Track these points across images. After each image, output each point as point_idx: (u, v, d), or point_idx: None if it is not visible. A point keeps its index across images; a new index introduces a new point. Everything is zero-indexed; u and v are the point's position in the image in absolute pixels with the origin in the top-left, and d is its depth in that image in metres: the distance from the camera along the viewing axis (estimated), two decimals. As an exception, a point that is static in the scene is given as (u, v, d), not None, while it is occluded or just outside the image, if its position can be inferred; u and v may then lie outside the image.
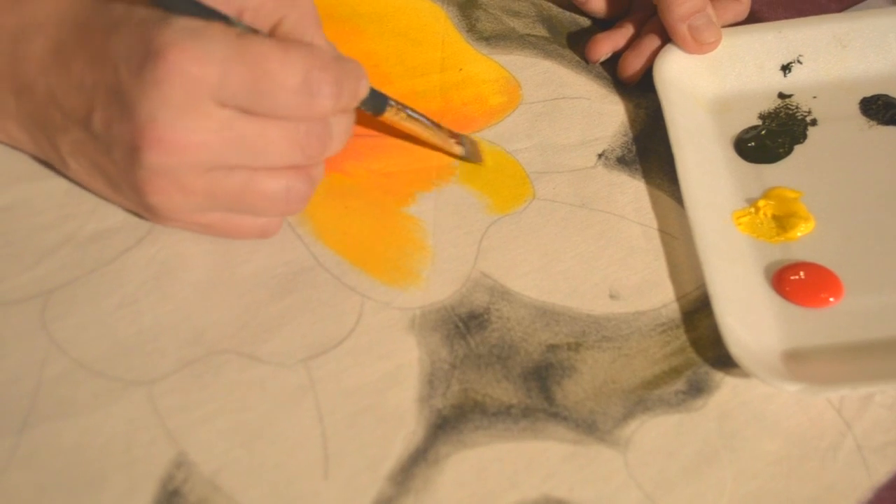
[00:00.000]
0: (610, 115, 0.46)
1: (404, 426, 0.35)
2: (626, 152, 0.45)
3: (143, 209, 0.37)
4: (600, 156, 0.45)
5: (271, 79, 0.32)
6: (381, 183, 0.42)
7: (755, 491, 0.35)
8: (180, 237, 0.39)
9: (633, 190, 0.44)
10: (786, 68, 0.47)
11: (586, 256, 0.41)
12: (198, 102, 0.32)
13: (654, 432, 0.36)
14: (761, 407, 0.37)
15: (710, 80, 0.47)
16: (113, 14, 0.34)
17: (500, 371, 0.37)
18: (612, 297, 0.40)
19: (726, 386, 0.38)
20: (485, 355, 0.37)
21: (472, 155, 0.43)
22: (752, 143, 0.45)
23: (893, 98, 0.46)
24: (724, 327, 0.37)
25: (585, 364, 0.38)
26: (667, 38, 0.46)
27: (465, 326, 0.38)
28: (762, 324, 0.39)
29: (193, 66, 0.32)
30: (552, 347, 0.38)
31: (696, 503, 0.35)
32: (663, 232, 0.42)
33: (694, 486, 0.35)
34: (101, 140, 0.34)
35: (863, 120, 0.46)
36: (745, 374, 0.37)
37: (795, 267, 0.40)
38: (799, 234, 0.42)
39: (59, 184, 0.39)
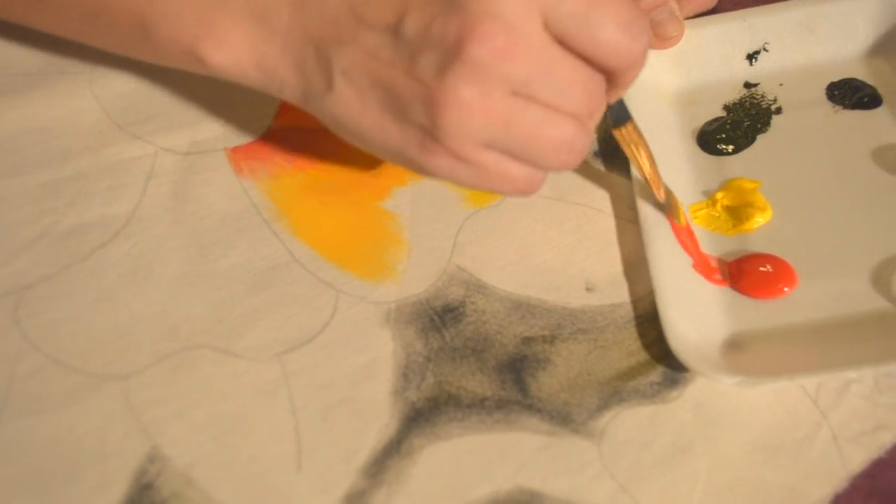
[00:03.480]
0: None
1: (378, 419, 0.35)
2: (604, 146, 0.45)
3: (420, 139, 0.34)
4: (578, 149, 0.45)
5: (604, 9, 0.32)
6: (357, 179, 0.42)
7: (730, 481, 0.35)
8: (156, 232, 0.39)
9: (610, 183, 0.44)
10: (752, 57, 0.47)
11: (563, 249, 0.41)
12: (531, 15, 0.32)
13: (629, 423, 0.36)
14: (737, 397, 0.37)
15: (674, 73, 0.47)
16: None
17: (475, 363, 0.37)
18: (588, 289, 0.40)
19: (701, 377, 0.38)
20: (460, 348, 0.38)
21: (669, 208, 0.41)
22: (716, 135, 0.45)
23: (860, 81, 0.46)
24: (667, 320, 0.37)
25: (560, 356, 0.38)
26: None
27: (441, 319, 0.38)
28: (709, 316, 0.39)
29: None
30: (527, 340, 0.38)
31: (671, 493, 0.35)
32: (640, 225, 0.42)
33: (668, 476, 0.35)
34: (407, 45, 0.33)
35: (828, 105, 0.45)
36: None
37: (749, 259, 0.40)
38: (755, 225, 0.41)
39: (35, 178, 0.39)
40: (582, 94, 0.34)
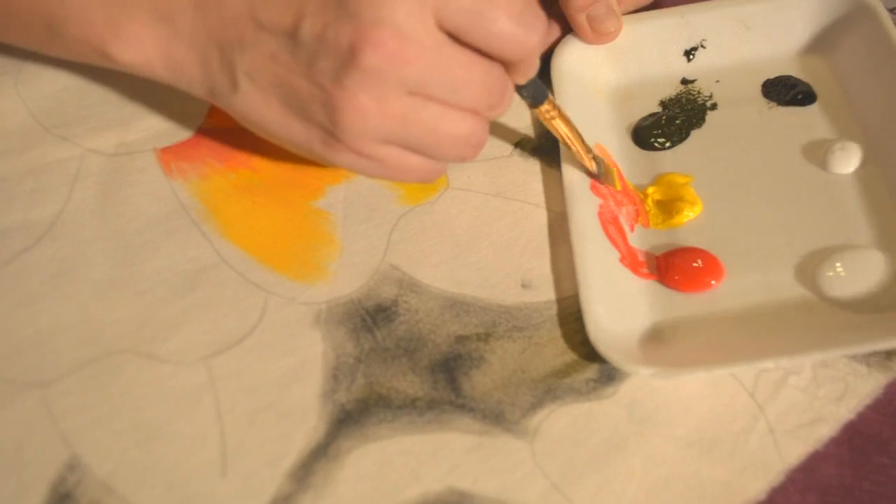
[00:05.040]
0: (527, 105, 0.46)
1: (306, 422, 0.35)
2: (543, 141, 0.44)
3: (322, 137, 0.35)
4: (516, 145, 0.44)
5: (495, 3, 0.32)
6: (289, 178, 0.41)
7: (665, 476, 0.35)
8: (82, 235, 0.38)
9: (548, 178, 0.43)
10: (689, 53, 0.47)
11: (499, 246, 0.40)
12: (423, 16, 0.32)
13: (563, 421, 0.36)
14: (673, 392, 0.37)
15: (611, 69, 0.46)
16: None
17: (407, 364, 0.37)
18: (524, 286, 0.39)
19: (639, 373, 0.37)
20: (391, 348, 0.37)
21: (604, 175, 0.41)
22: (651, 130, 0.44)
23: (795, 79, 0.45)
24: (588, 312, 0.36)
25: (495, 354, 0.37)
26: (567, 27, 0.46)
27: (372, 320, 0.38)
28: (633, 309, 0.38)
29: None
30: (461, 339, 0.37)
31: (604, 490, 0.34)
32: (568, 217, 0.41)
33: (602, 473, 0.34)
34: (304, 49, 0.33)
35: (763, 102, 0.45)
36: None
37: (676, 253, 0.40)
38: (684, 219, 0.41)
39: (-45, 185, 0.38)
40: (479, 90, 0.34)
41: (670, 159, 0.43)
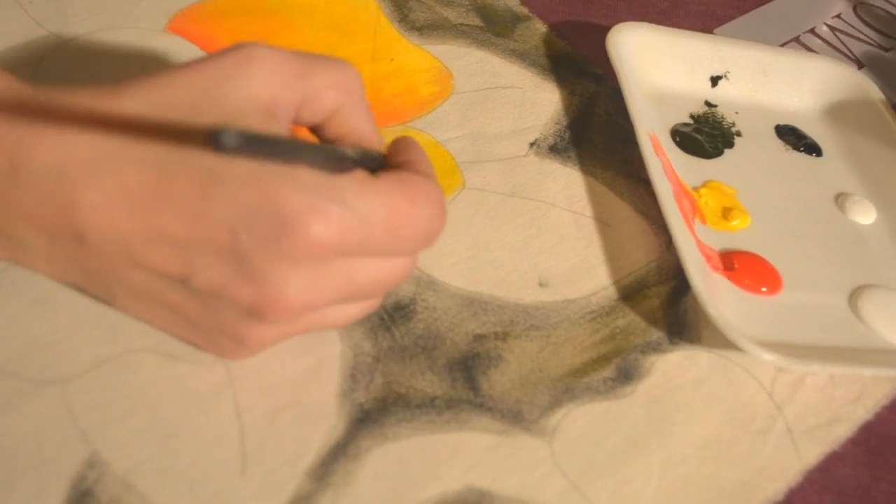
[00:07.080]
0: (542, 104, 0.46)
1: (325, 421, 0.35)
2: (559, 140, 0.44)
3: (230, 347, 0.34)
4: (532, 144, 0.44)
5: (403, 233, 0.31)
6: (306, 175, 0.41)
7: (684, 476, 0.35)
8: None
9: (564, 178, 0.43)
10: (714, 80, 0.49)
11: (516, 245, 0.40)
12: (330, 264, 0.30)
13: (581, 420, 0.36)
14: (692, 392, 0.37)
15: (650, 68, 0.48)
16: (194, 161, 0.29)
17: (425, 362, 0.37)
18: (541, 285, 0.39)
19: (656, 372, 0.37)
20: (409, 347, 0.37)
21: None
22: (695, 136, 0.46)
23: (802, 131, 0.49)
24: (701, 295, 0.36)
25: (513, 353, 0.37)
26: None
27: (390, 318, 0.38)
28: (723, 298, 0.39)
29: (336, 236, 0.29)
30: (479, 337, 0.37)
31: (623, 490, 0.34)
32: (595, 219, 0.42)
33: (620, 473, 0.34)
34: (197, 294, 0.31)
35: (780, 143, 0.48)
36: (673, 361, 0.37)
37: (738, 253, 0.41)
38: (738, 227, 0.42)
39: (-29, 182, 0.38)
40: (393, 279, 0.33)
41: (712, 169, 0.45)
